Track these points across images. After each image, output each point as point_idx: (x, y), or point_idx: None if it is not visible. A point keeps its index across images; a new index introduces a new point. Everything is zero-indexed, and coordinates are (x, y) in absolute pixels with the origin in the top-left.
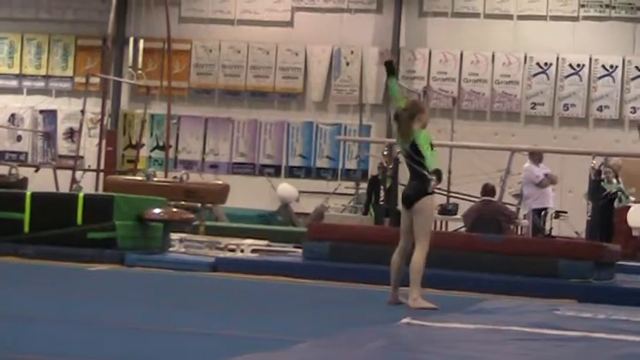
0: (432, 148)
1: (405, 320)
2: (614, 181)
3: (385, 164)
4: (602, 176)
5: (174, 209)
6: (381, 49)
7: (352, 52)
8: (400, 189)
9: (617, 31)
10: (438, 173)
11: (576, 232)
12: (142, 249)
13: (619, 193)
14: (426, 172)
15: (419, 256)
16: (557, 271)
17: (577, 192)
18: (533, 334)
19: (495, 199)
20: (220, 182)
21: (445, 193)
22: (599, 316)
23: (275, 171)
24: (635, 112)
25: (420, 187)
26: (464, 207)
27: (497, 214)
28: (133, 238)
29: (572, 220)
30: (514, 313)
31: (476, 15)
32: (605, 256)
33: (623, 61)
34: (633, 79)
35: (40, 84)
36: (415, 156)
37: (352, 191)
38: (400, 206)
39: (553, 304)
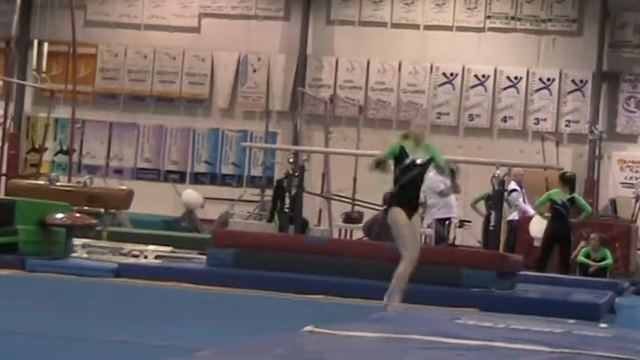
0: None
1: (307, 328)
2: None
3: (291, 172)
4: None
5: (77, 214)
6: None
7: (259, 59)
8: (306, 197)
9: (522, 43)
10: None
11: (479, 242)
12: (44, 254)
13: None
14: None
15: (400, 268)
16: (460, 280)
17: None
18: (434, 342)
19: None
20: (124, 188)
21: (350, 201)
22: (499, 325)
23: (180, 177)
24: (538, 124)
25: (390, 199)
26: (369, 215)
27: None
28: (35, 243)
29: (475, 230)
30: (415, 322)
31: (383, 24)
32: (507, 265)
33: (528, 72)
34: (537, 90)
35: None
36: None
37: (257, 198)
38: None
39: (455, 312)
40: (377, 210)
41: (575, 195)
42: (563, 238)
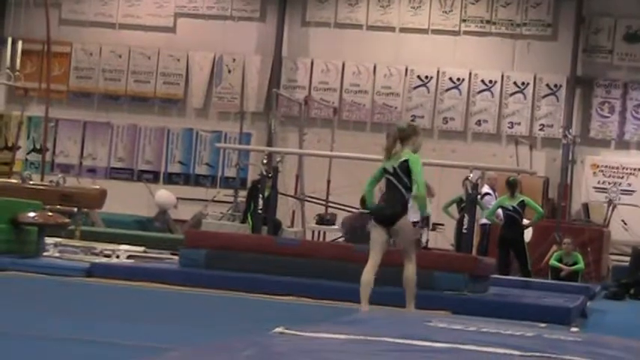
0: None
1: (278, 329)
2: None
3: (265, 173)
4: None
5: (50, 213)
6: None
7: (234, 60)
8: (280, 198)
9: (496, 47)
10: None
11: (452, 245)
12: (16, 253)
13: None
14: (406, 194)
15: (413, 271)
16: (432, 282)
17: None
18: (404, 345)
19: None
20: (97, 187)
21: (323, 202)
22: (470, 329)
23: (153, 177)
24: (512, 128)
25: (401, 206)
26: (342, 217)
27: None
28: (7, 242)
29: (448, 233)
30: (386, 324)
31: (358, 26)
32: (479, 269)
33: (502, 76)
34: (511, 94)
35: None
36: (402, 176)
37: (231, 199)
38: (374, 224)
39: (426, 315)
40: (351, 211)
41: (525, 198)
42: (514, 243)
